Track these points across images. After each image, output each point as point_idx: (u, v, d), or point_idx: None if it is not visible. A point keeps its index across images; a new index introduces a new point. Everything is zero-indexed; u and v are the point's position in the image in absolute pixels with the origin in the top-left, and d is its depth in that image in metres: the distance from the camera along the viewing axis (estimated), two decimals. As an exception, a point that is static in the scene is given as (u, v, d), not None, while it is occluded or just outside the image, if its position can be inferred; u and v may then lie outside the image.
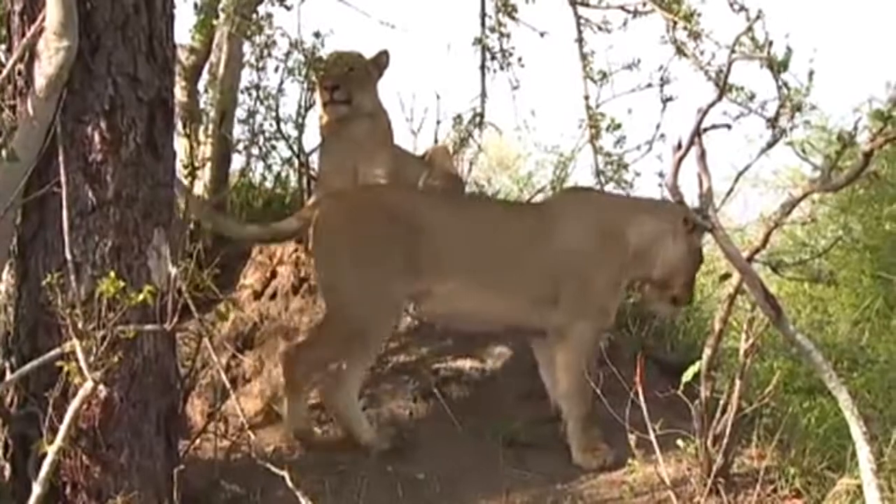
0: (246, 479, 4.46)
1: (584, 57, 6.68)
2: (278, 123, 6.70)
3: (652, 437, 4.19)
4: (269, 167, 6.79)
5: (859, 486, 4.10)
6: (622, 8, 6.28)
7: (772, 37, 4.46)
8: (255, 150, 6.74)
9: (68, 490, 3.94)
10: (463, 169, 7.01)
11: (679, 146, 4.05)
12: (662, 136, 6.54)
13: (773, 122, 4.69)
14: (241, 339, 5.68)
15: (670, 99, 6.41)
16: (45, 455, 3.73)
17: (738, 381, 4.43)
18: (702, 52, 5.64)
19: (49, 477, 3.73)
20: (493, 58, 6.89)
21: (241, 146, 6.65)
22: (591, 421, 4.95)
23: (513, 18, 6.69)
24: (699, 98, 4.30)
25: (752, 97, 5.26)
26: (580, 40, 6.66)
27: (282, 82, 6.66)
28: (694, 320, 6.29)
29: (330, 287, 5.09)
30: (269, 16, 5.94)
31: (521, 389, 5.35)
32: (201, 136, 6.29)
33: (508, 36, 6.77)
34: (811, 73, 4.52)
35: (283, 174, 6.78)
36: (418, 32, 7.15)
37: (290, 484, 4.10)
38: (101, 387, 3.79)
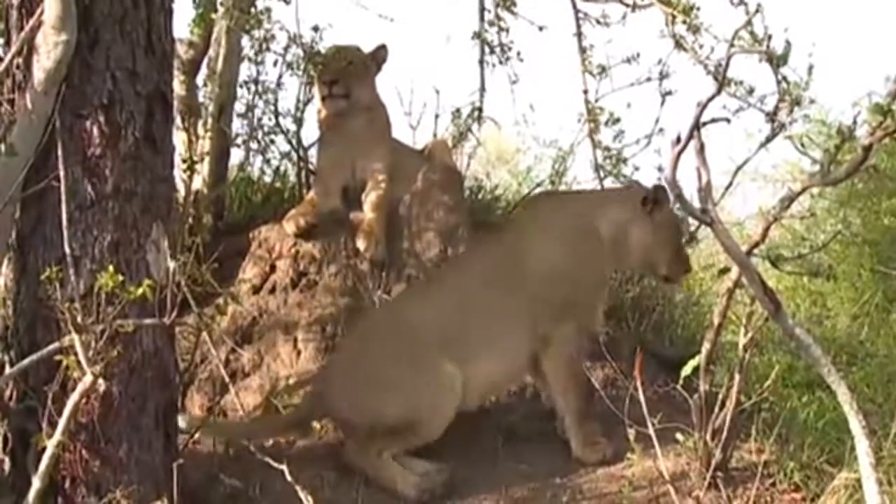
0: (245, 474, 4.47)
1: (583, 51, 6.67)
2: (277, 117, 6.69)
3: (651, 431, 4.19)
4: (267, 161, 6.78)
5: (858, 481, 4.10)
6: (621, 2, 6.27)
7: (771, 31, 4.45)
8: (253, 145, 6.74)
9: (67, 484, 3.94)
10: (462, 163, 7.01)
11: (678, 140, 4.04)
12: (661, 130, 6.56)
13: (772, 116, 4.68)
14: (240, 333, 5.68)
15: (669, 93, 6.42)
16: (44, 449, 3.74)
17: (737, 376, 4.43)
18: (701, 46, 5.64)
19: (49, 471, 3.74)
20: (491, 52, 6.89)
21: (239, 140, 6.64)
22: (589, 415, 4.95)
23: (511, 12, 6.68)
24: (698, 92, 4.28)
25: (751, 91, 5.28)
26: (579, 34, 6.66)
27: (280, 76, 6.66)
28: (693, 314, 6.29)
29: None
30: (268, 10, 5.93)
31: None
32: (200, 131, 6.28)
33: (507, 30, 6.78)
34: (810, 67, 4.52)
35: (282, 168, 6.78)
36: (417, 26, 7.16)
37: (288, 478, 4.11)
38: (100, 381, 3.79)
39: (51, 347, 3.80)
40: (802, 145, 4.56)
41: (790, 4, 5.53)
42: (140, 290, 3.74)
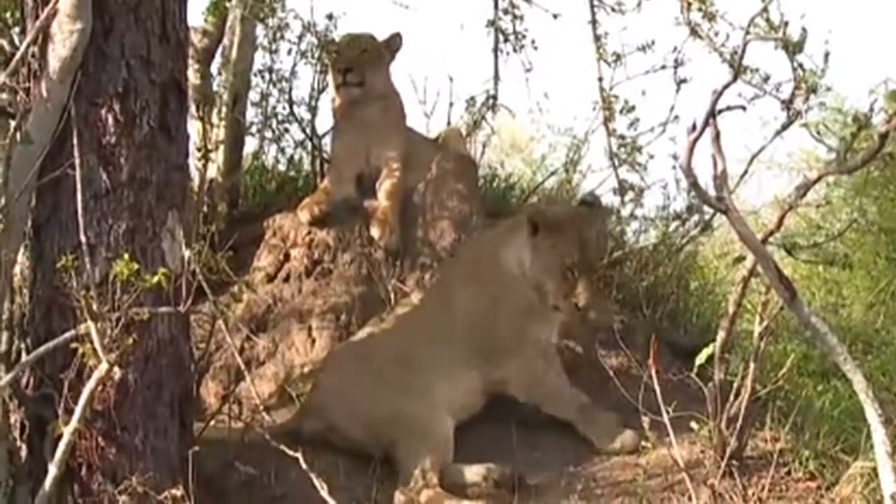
0: (260, 461, 4.48)
1: (597, 39, 6.65)
2: (291, 106, 6.70)
3: (666, 419, 4.19)
4: (282, 150, 6.79)
5: (874, 469, 4.09)
6: (636, -11, 6.26)
7: (787, 18, 4.43)
8: (268, 133, 6.75)
9: (83, 471, 3.95)
10: (476, 151, 7.00)
11: (693, 127, 4.02)
12: (676, 118, 6.53)
13: (787, 104, 4.66)
14: (255, 321, 5.69)
15: (684, 81, 6.40)
16: (60, 436, 3.76)
17: (752, 364, 4.42)
18: (716, 34, 5.61)
19: (65, 458, 3.76)
20: (506, 40, 6.87)
21: (254, 129, 6.65)
22: (592, 409, 4.95)
23: (526, 0, 6.67)
24: (713, 80, 4.27)
25: (766, 79, 5.24)
26: (594, 22, 6.63)
27: (294, 65, 6.67)
28: (707, 303, 6.28)
29: None
30: (282, -2, 5.94)
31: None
32: (214, 119, 6.30)
33: (521, 18, 6.76)
34: (826, 55, 4.50)
35: (296, 157, 6.79)
36: (431, 14, 7.15)
37: (303, 465, 4.12)
38: (115, 369, 3.80)
39: (67, 335, 3.81)
40: (818, 133, 4.54)
41: (806, -9, 5.50)
42: (155, 279, 3.75)
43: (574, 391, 5.01)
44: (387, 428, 4.73)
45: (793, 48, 4.39)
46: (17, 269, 4.08)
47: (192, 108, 5.76)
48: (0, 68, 4.39)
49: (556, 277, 4.99)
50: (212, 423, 4.67)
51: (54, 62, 4.03)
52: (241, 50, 6.35)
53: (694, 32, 5.75)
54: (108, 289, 3.73)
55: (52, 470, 3.76)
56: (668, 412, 4.19)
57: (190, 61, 5.29)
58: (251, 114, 6.60)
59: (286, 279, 5.84)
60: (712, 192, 4.09)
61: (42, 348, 3.84)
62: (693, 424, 4.58)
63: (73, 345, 3.77)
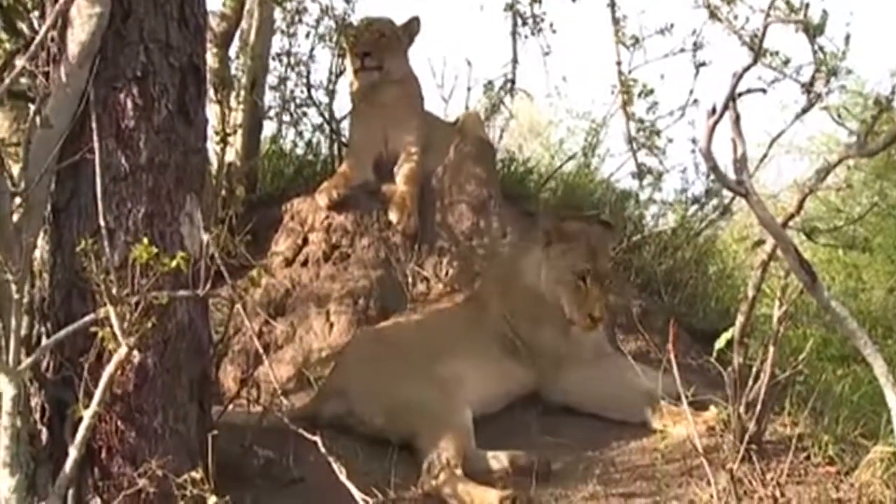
0: (278, 445, 4.49)
1: (616, 22, 6.64)
2: (309, 90, 6.71)
3: (685, 403, 4.19)
4: (300, 133, 6.82)
5: (894, 454, 4.09)
6: (655, -28, 6.24)
7: (807, 0, 4.40)
8: (286, 117, 6.78)
9: (103, 454, 3.96)
10: (494, 135, 7.00)
11: (713, 111, 4.01)
12: (695, 101, 6.53)
13: (808, 87, 4.63)
14: (273, 305, 5.71)
15: (703, 64, 6.39)
16: (80, 419, 3.77)
17: (771, 348, 4.40)
18: (736, 17, 5.59)
19: (85, 441, 3.78)
20: (524, 23, 6.86)
21: (272, 113, 6.67)
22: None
23: (544, -17, 6.66)
24: (733, 63, 4.25)
25: (786, 62, 5.21)
26: (612, 5, 6.62)
27: (312, 49, 6.69)
28: (726, 287, 6.26)
29: None
30: (300, -19, 5.94)
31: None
32: (233, 103, 6.31)
33: (540, 1, 6.75)
34: (847, 37, 4.48)
35: (314, 141, 6.80)
36: (449, -1, 7.15)
37: (322, 449, 4.12)
38: (134, 352, 3.82)
39: (86, 319, 3.82)
40: (839, 116, 4.52)
41: (827, -27, 5.47)
42: (174, 262, 3.75)
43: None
44: (407, 415, 4.73)
45: (813, 30, 4.36)
46: (37, 253, 4.10)
47: (211, 92, 5.78)
48: (20, 53, 4.40)
49: (569, 288, 5.04)
50: (230, 406, 4.68)
51: (73, 46, 4.04)
52: (260, 34, 6.36)
53: (713, 15, 5.73)
54: (127, 272, 3.73)
55: (73, 452, 3.78)
56: (686, 396, 4.18)
57: (208, 45, 5.29)
58: (269, 97, 6.63)
59: (304, 263, 5.85)
60: (732, 176, 4.08)
61: (62, 332, 3.85)
62: (712, 409, 4.59)
63: (93, 328, 3.78)
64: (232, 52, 6.58)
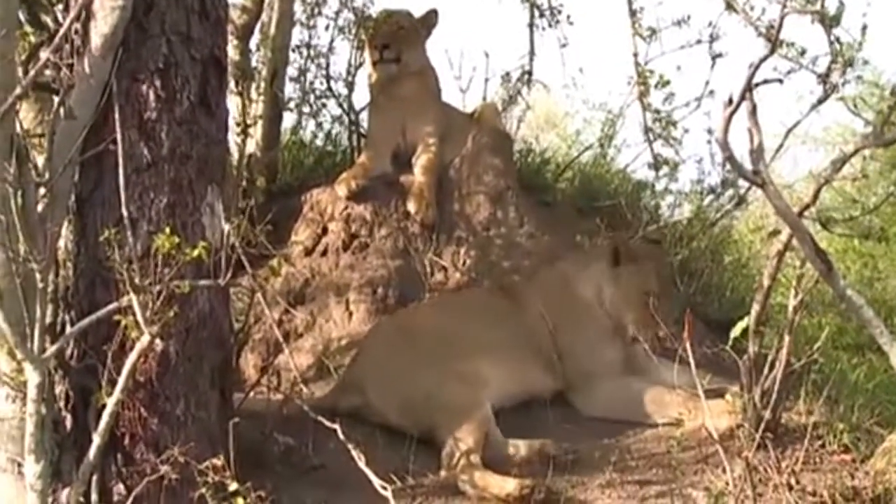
0: (299, 432, 4.52)
1: (632, 13, 6.65)
2: (329, 82, 6.75)
3: (700, 392, 4.21)
4: (319, 125, 6.85)
5: (909, 443, 4.10)
6: (672, -37, 6.25)
7: (824, -9, 4.41)
8: (305, 108, 6.80)
9: (127, 440, 4.01)
10: (511, 126, 7.03)
11: (730, 101, 4.03)
12: (711, 92, 6.53)
13: (824, 78, 4.64)
14: (293, 294, 5.75)
15: (720, 55, 6.39)
16: (104, 406, 3.82)
17: (786, 337, 4.42)
18: (752, 8, 5.56)
19: (108, 428, 3.82)
20: (541, 15, 6.89)
21: (292, 104, 6.70)
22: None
23: (561, -24, 6.68)
24: (749, 54, 4.27)
25: (803, 52, 5.21)
26: (629, -4, 6.63)
27: (332, 41, 6.73)
28: (741, 277, 6.27)
29: None
30: (320, -26, 5.97)
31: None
32: (253, 95, 6.34)
33: (557, -7, 6.76)
34: (864, 28, 4.48)
35: (334, 132, 6.84)
36: (467, -9, 7.16)
37: (341, 436, 4.16)
38: (157, 341, 3.87)
39: (109, 308, 3.86)
40: (855, 107, 4.52)
41: (844, -36, 5.46)
42: (195, 252, 3.78)
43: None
44: (425, 409, 4.73)
45: (830, 21, 4.37)
46: (61, 243, 4.14)
47: (232, 84, 5.82)
48: (44, 45, 4.46)
49: (638, 307, 5.08)
50: (251, 394, 4.73)
51: (96, 39, 4.08)
52: (280, 26, 6.39)
53: (729, 6, 5.71)
54: (149, 262, 3.77)
55: (96, 439, 3.83)
56: (702, 385, 4.21)
57: (229, 37, 5.34)
58: (289, 89, 6.66)
59: (324, 253, 5.89)
60: (748, 166, 4.10)
61: (86, 320, 3.89)
62: (727, 397, 4.61)
63: (116, 317, 3.82)
64: (252, 44, 6.62)
